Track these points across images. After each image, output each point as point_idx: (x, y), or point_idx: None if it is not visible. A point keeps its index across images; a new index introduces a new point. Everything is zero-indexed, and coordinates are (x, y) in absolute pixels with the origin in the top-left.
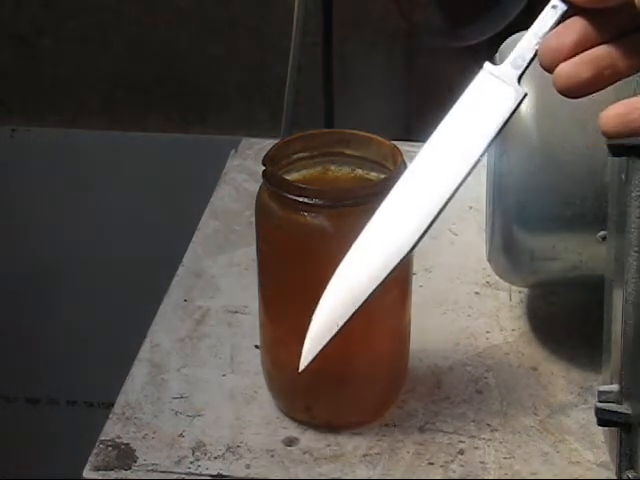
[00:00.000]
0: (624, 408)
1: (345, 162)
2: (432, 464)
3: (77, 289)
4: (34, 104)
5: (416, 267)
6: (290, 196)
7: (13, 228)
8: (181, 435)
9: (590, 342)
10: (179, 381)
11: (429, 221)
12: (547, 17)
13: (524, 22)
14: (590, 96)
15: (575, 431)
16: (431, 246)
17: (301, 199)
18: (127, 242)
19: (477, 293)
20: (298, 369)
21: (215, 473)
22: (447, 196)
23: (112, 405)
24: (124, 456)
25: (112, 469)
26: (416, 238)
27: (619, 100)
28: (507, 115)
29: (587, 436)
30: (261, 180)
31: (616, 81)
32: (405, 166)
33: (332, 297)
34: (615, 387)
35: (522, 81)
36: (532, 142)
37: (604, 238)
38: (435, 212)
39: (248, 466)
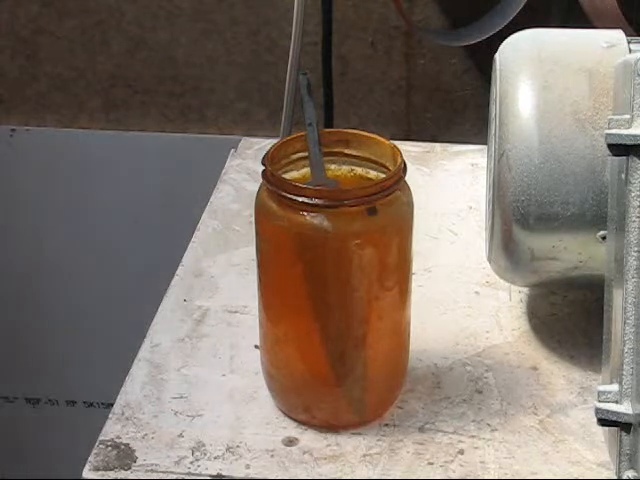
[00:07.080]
0: (624, 408)
1: (345, 162)
2: (432, 464)
3: (77, 289)
4: (34, 104)
5: (416, 267)
6: (290, 196)
7: (13, 228)
8: (181, 435)
9: (590, 342)
10: (179, 381)
11: None
12: None
13: (524, 22)
14: (590, 96)
15: (575, 431)
16: (431, 246)
17: (301, 199)
18: (127, 242)
19: (477, 293)
20: (297, 369)
21: (215, 473)
22: None
23: (112, 405)
24: (124, 456)
25: (112, 469)
26: None
27: (617, 100)
28: None
29: (587, 436)
30: (261, 180)
31: None
32: (405, 166)
33: None
34: (615, 387)
35: (522, 80)
36: (532, 142)
37: (604, 238)
38: None
39: (248, 466)
